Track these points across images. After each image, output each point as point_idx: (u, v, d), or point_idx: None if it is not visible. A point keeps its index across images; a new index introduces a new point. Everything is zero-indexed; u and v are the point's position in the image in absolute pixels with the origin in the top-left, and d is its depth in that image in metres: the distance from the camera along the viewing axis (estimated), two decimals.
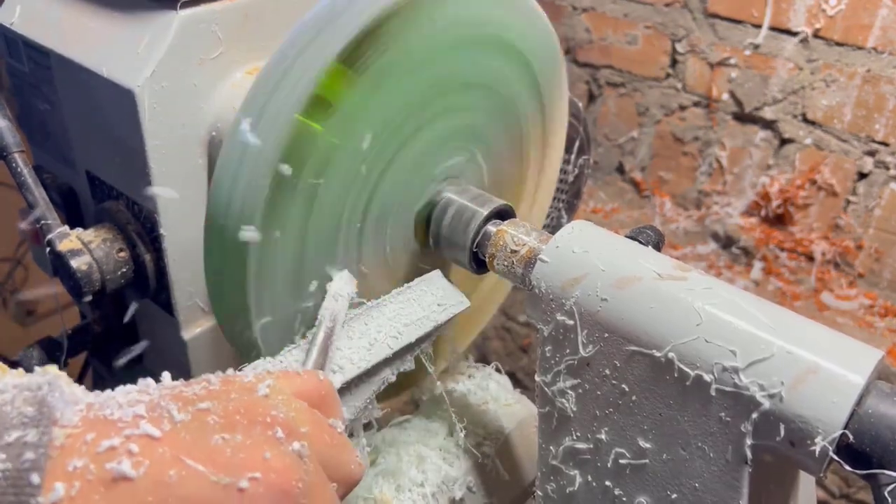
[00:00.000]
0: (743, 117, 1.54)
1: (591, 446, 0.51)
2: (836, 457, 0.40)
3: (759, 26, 1.45)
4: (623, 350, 0.47)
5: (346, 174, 0.53)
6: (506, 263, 0.56)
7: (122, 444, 0.29)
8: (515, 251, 0.56)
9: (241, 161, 0.49)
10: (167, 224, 0.62)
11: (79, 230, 0.63)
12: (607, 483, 0.50)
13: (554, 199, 0.89)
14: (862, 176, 1.42)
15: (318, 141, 0.50)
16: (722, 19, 1.50)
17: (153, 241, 0.64)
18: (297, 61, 0.48)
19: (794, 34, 1.41)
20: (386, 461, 0.69)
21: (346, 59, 0.49)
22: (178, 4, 0.57)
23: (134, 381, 0.33)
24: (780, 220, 1.55)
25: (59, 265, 0.60)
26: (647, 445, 0.48)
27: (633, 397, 0.47)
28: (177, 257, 0.64)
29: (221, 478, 0.30)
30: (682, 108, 1.63)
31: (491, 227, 0.59)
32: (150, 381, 0.33)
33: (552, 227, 0.90)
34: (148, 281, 0.64)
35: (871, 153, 1.39)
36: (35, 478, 0.27)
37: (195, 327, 0.69)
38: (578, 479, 0.52)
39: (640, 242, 0.53)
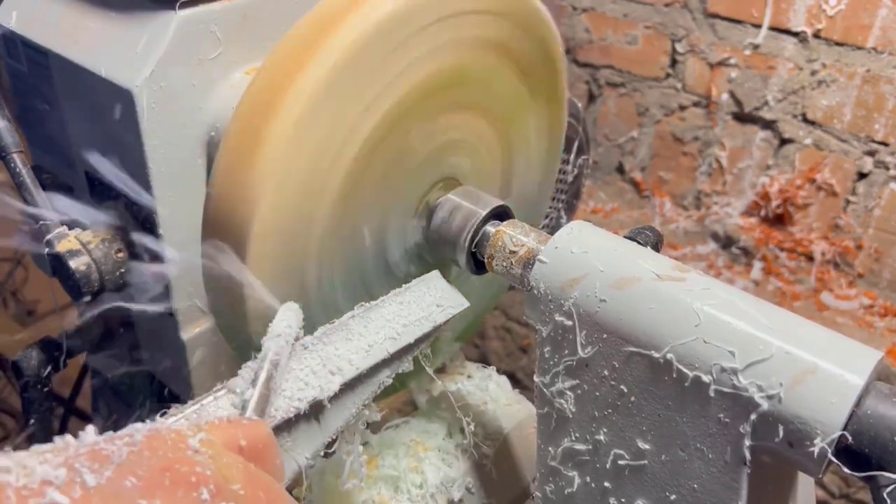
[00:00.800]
0: (743, 117, 1.54)
1: (590, 447, 0.51)
2: (834, 458, 0.40)
3: (758, 26, 1.45)
4: (622, 351, 0.47)
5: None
6: (504, 264, 0.56)
7: None
8: (514, 252, 0.56)
9: None
10: (166, 224, 0.62)
11: (77, 230, 0.62)
12: (606, 484, 0.50)
13: (553, 199, 0.89)
14: (862, 176, 1.42)
15: None
16: (722, 19, 1.50)
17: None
18: None
19: (794, 34, 1.41)
20: (384, 462, 0.69)
21: None
22: (177, 5, 0.57)
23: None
24: (779, 220, 1.55)
25: (57, 266, 0.60)
26: (646, 446, 0.47)
27: (632, 398, 0.47)
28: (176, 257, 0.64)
29: None
30: (682, 108, 1.63)
31: (489, 228, 0.58)
32: (68, 437, 0.30)
33: (551, 227, 0.90)
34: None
35: (871, 153, 1.39)
36: None
37: (194, 327, 0.69)
38: (577, 480, 0.52)
39: (639, 243, 0.53)
